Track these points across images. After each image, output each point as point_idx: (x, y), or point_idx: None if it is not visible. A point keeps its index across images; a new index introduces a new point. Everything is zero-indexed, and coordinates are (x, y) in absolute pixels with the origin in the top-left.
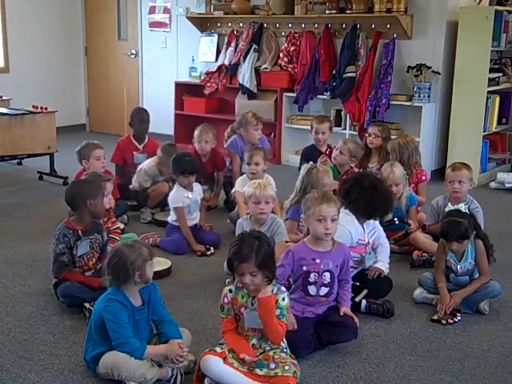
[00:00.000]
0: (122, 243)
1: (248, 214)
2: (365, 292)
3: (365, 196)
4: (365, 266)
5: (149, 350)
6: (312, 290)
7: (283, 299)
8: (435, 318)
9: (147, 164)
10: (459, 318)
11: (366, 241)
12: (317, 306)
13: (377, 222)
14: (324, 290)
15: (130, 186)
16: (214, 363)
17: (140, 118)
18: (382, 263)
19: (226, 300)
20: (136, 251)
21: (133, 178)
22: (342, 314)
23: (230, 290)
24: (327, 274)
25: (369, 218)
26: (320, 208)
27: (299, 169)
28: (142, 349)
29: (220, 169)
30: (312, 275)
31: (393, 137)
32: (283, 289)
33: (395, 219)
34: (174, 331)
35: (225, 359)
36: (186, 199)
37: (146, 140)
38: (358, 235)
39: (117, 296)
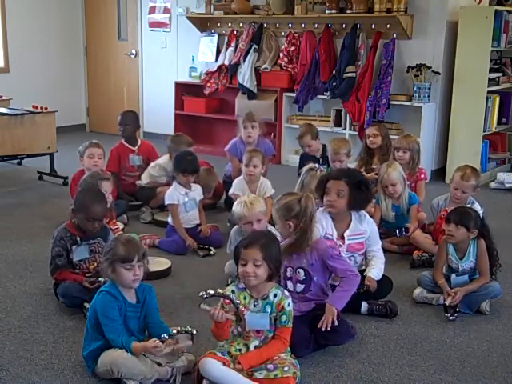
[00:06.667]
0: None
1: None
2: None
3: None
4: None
5: (134, 343)
6: (290, 285)
7: (288, 304)
8: (447, 303)
9: (163, 159)
10: (457, 313)
11: (335, 236)
12: (298, 303)
13: (373, 228)
14: (300, 287)
15: (137, 182)
16: (214, 366)
17: (125, 121)
18: (375, 269)
19: (227, 300)
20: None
21: (142, 175)
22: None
23: (233, 291)
24: (301, 271)
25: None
26: None
27: (299, 174)
28: (129, 341)
29: None
30: (288, 269)
31: (392, 137)
32: (287, 293)
33: (397, 231)
34: (163, 332)
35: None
36: (181, 196)
37: (139, 142)
38: (328, 229)
39: (110, 289)
